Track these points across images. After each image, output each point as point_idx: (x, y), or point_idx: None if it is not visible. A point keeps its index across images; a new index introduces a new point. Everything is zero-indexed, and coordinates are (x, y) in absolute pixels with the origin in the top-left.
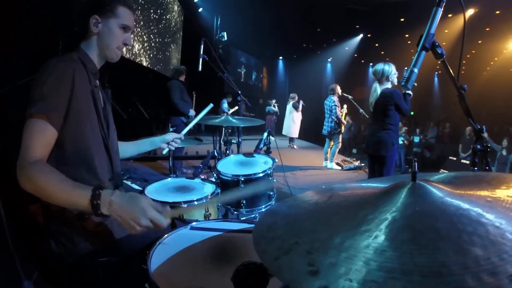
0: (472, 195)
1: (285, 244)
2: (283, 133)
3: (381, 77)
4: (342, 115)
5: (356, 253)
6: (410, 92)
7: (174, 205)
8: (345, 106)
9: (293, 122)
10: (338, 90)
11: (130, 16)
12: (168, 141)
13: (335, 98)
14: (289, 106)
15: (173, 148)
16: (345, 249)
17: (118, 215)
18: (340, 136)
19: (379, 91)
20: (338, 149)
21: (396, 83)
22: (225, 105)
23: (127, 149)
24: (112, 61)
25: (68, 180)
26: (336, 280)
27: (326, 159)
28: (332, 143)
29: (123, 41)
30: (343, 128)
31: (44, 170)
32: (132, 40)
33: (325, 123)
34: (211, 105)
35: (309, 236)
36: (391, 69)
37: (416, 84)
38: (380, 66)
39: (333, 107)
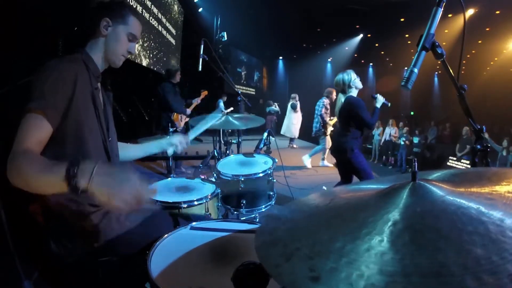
0: (472, 193)
1: (287, 249)
2: (281, 132)
3: (343, 87)
4: (330, 120)
5: (357, 257)
6: (378, 106)
7: (174, 205)
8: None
9: (291, 122)
10: (334, 96)
11: (138, 27)
12: (175, 144)
13: (326, 100)
14: (289, 106)
15: (179, 151)
16: (346, 253)
17: (99, 184)
18: (327, 138)
19: (342, 99)
20: (323, 150)
21: (360, 86)
22: (221, 104)
23: (134, 151)
24: (114, 66)
25: (50, 161)
26: (337, 286)
27: (323, 159)
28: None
29: (127, 49)
30: (328, 130)
31: (30, 158)
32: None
33: (313, 124)
34: (218, 115)
35: (310, 241)
36: (350, 76)
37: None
38: (339, 77)
39: (320, 108)
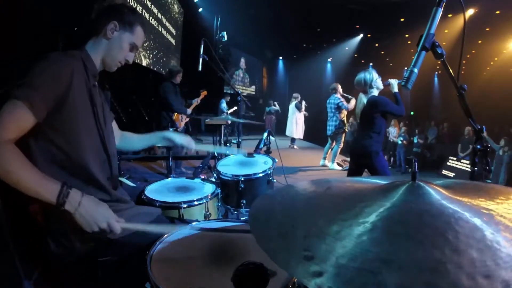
0: (470, 203)
1: (282, 227)
2: (287, 133)
3: (365, 87)
4: (343, 116)
5: (352, 242)
6: (396, 90)
7: (174, 205)
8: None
9: (295, 122)
10: (340, 89)
11: (142, 38)
12: (182, 144)
13: (337, 95)
14: (292, 106)
15: (191, 149)
16: (341, 237)
17: (81, 214)
18: (344, 136)
19: (364, 100)
20: (340, 149)
21: (382, 87)
22: (223, 104)
23: (138, 141)
24: (108, 69)
25: (37, 169)
26: (331, 267)
27: (324, 158)
28: (334, 143)
29: (126, 57)
30: (347, 127)
31: (16, 154)
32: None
33: (328, 123)
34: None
35: (306, 222)
36: (372, 76)
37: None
38: (360, 76)
39: (340, 103)
